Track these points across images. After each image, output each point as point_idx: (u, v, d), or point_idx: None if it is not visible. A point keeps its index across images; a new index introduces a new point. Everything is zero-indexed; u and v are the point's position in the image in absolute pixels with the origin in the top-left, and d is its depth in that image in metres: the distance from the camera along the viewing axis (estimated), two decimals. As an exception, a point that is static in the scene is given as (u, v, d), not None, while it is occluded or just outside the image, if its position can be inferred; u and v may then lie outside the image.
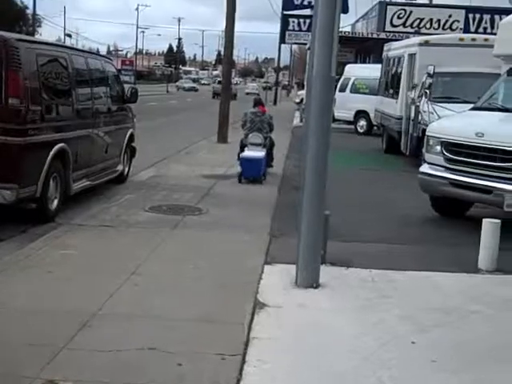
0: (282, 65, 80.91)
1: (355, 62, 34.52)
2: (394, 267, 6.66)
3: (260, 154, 12.08)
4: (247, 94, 69.91)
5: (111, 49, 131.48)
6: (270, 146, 13.00)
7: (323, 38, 5.98)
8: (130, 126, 11.67)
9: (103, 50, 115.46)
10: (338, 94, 24.99)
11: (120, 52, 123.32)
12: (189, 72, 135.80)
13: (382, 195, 11.30)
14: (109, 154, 10.38)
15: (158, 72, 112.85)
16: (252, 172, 11.81)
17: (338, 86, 26.12)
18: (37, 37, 42.69)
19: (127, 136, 11.42)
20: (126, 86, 11.55)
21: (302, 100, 33.39)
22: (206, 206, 9.47)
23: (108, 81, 10.59)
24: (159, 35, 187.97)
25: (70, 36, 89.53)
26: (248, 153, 12.10)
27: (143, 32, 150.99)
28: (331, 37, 6.00)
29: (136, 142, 12.05)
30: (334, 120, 23.15)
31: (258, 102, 13.33)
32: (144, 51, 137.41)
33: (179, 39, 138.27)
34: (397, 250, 7.48)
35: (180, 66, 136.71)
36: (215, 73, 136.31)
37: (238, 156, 12.53)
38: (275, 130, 13.69)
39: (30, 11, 51.78)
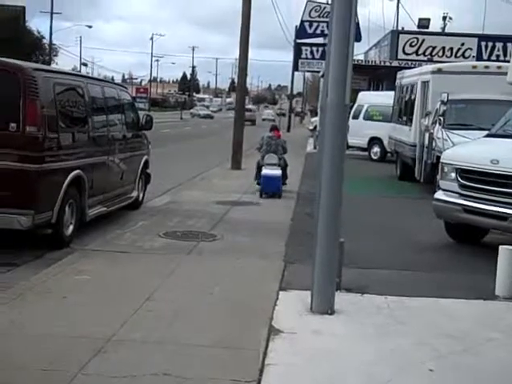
0: (295, 92, 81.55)
1: (368, 90, 34.73)
2: (410, 294, 6.60)
3: (277, 172, 13.85)
4: (263, 120, 73.77)
5: (126, 77, 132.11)
6: (284, 166, 14.51)
7: (337, 66, 5.88)
8: (145, 152, 11.72)
9: (118, 78, 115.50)
10: (351, 121, 25.07)
11: (135, 80, 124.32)
12: (202, 99, 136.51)
13: (397, 222, 11.25)
14: (124, 181, 10.42)
15: (172, 99, 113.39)
16: (271, 188, 13.55)
17: (352, 112, 26.31)
18: (53, 66, 43.22)
19: (142, 162, 11.45)
20: (141, 113, 11.64)
21: (315, 127, 33.82)
22: (220, 231, 9.47)
23: (123, 108, 10.64)
24: (173, 63, 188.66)
25: (85, 65, 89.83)
26: (267, 171, 13.80)
27: (157, 60, 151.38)
28: (345, 65, 5.94)
29: (151, 168, 12.11)
30: (348, 147, 23.25)
31: (273, 128, 15.33)
32: (158, 79, 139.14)
33: (193, 67, 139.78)
34: (412, 277, 7.42)
35: (194, 94, 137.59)
36: (229, 100, 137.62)
37: (256, 176, 14.54)
38: (289, 156, 15.14)
39: (46, 41, 52.42)
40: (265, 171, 13.80)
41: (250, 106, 78.33)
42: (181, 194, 13.31)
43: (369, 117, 27.10)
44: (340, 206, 5.95)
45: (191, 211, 11.13)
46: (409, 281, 7.22)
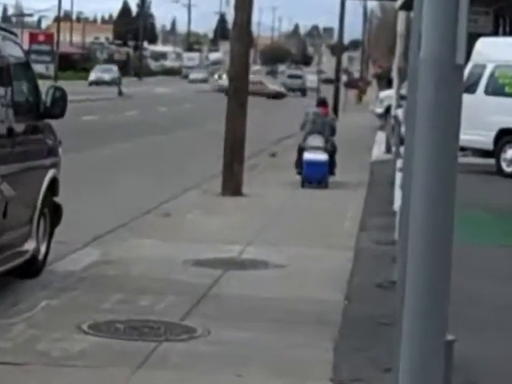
0: (347, 40, 47.42)
1: (495, 34, 20.60)
2: None
3: (323, 156, 12.22)
4: (292, 90, 50.56)
5: (10, 12, 66.31)
6: (332, 150, 12.62)
7: None
8: (51, 163, 7.08)
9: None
10: (463, 98, 14.15)
11: (28, 18, 72.14)
12: (162, 54, 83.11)
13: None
14: (8, 222, 6.44)
15: (102, 55, 67.10)
16: (316, 175, 12.17)
17: (464, 80, 15.74)
18: None
19: (45, 184, 6.83)
20: (43, 85, 7.11)
21: (388, 109, 22.49)
22: (201, 322, 5.44)
23: (7, 75, 6.42)
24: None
25: None
26: (311, 155, 12.19)
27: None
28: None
29: (62, 193, 7.22)
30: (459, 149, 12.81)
31: (321, 102, 13.41)
32: (74, 15, 79.29)
33: None
34: None
35: (145, 44, 76.74)
36: (215, 56, 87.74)
37: (296, 163, 12.62)
38: (340, 166, 12.71)
39: None
40: (307, 155, 12.20)
41: (257, 67, 52.24)
42: (124, 246, 8.02)
43: (497, 89, 15.24)
44: (448, 273, 3.05)
45: (145, 280, 6.50)
46: None
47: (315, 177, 12.17)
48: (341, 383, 4.48)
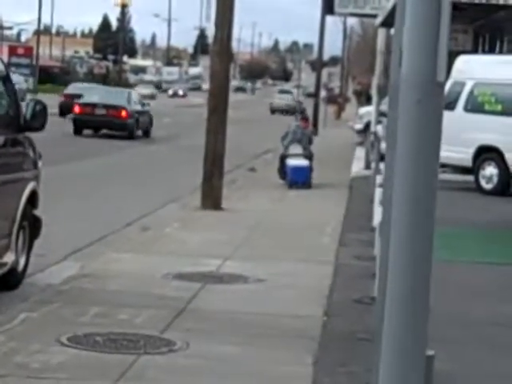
0: (326, 56, 47.16)
1: (474, 52, 20.48)
2: None
3: (304, 162, 13.90)
4: (273, 111, 47.24)
5: None
6: (310, 157, 14.21)
7: (420, 4, 3.08)
8: (31, 175, 7.05)
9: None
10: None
11: (7, 31, 69.20)
12: (141, 69, 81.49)
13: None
14: None
15: (81, 69, 65.43)
16: (300, 178, 13.71)
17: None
18: None
19: (24, 196, 6.81)
20: (23, 99, 7.32)
21: (367, 125, 21.91)
22: (181, 335, 5.34)
23: None
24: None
25: None
26: (293, 161, 13.76)
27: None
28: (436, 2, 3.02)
29: (41, 206, 7.23)
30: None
31: (303, 116, 15.96)
32: (54, 29, 77.40)
33: (123, 7, 67.26)
34: None
35: (125, 58, 76.39)
36: (194, 71, 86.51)
37: (279, 170, 14.24)
38: (317, 184, 14.19)
39: None
40: (291, 162, 13.79)
41: (236, 83, 53.16)
42: (103, 259, 8.00)
43: (476, 106, 15.00)
44: (427, 288, 3.16)
45: (124, 294, 6.45)
46: None
47: (300, 180, 13.74)
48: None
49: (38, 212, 7.06)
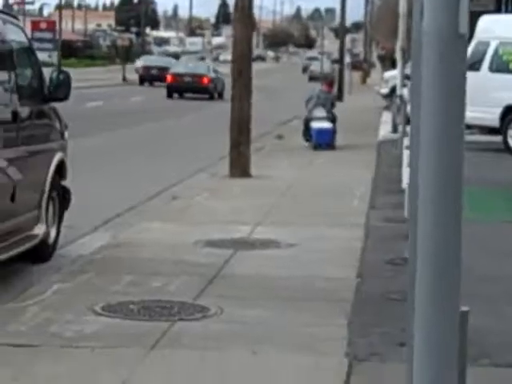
0: (349, 22, 47.10)
1: (498, 11, 20.21)
2: None
3: (328, 124, 14.42)
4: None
5: (11, 0, 57.18)
6: (333, 120, 14.64)
7: None
8: (58, 146, 6.98)
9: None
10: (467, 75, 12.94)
11: (29, 6, 65.60)
12: (165, 41, 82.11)
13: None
14: (16, 205, 6.05)
15: (104, 42, 65.41)
16: (324, 140, 14.25)
17: (467, 58, 14.69)
18: None
19: (52, 167, 6.74)
20: (47, 70, 7.09)
21: (393, 89, 21.55)
22: (215, 301, 5.42)
23: (11, 60, 6.34)
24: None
25: None
26: (317, 124, 14.26)
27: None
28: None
29: (70, 177, 7.19)
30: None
31: (327, 81, 16.23)
32: (76, 3, 79.07)
33: None
34: None
35: (148, 30, 78.50)
36: (218, 40, 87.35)
37: (304, 132, 14.75)
38: (343, 150, 14.53)
39: None
40: (315, 125, 14.24)
41: (258, 53, 54.70)
42: (134, 229, 7.95)
43: (502, 66, 14.89)
44: (459, 247, 3.16)
45: (156, 262, 6.51)
46: None
47: (324, 142, 14.26)
48: (356, 358, 4.47)
49: (66, 182, 7.03)
